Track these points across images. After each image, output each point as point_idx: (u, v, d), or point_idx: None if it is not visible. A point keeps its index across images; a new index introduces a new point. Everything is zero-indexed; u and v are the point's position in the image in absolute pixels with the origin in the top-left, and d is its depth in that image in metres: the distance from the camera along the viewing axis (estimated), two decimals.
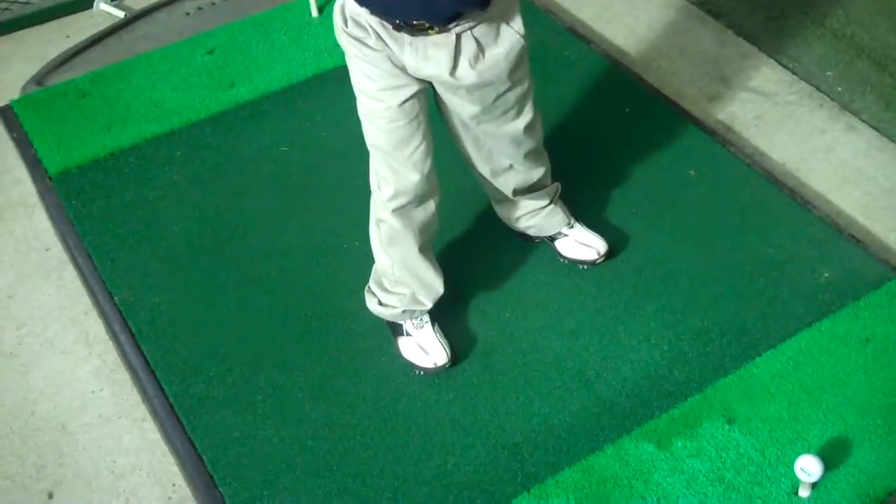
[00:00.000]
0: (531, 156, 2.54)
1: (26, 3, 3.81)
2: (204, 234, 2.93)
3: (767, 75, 3.46)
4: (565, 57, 3.47)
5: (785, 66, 3.49)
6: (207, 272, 2.83)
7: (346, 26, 2.19)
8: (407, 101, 2.23)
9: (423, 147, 2.31)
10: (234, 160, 3.14)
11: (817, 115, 3.31)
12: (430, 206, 2.43)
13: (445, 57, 2.15)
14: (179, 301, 2.75)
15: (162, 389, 2.54)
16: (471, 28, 2.13)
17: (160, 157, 3.17)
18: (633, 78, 3.39)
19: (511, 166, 2.53)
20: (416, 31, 2.11)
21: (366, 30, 2.15)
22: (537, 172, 2.61)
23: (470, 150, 2.48)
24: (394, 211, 2.37)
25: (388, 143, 2.28)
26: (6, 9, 3.78)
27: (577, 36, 3.56)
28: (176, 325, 2.69)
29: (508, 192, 2.62)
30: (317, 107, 3.28)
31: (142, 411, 2.57)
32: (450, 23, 2.10)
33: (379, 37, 2.15)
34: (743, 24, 3.66)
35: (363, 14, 2.13)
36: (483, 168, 2.53)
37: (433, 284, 2.53)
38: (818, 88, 3.40)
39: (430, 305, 2.55)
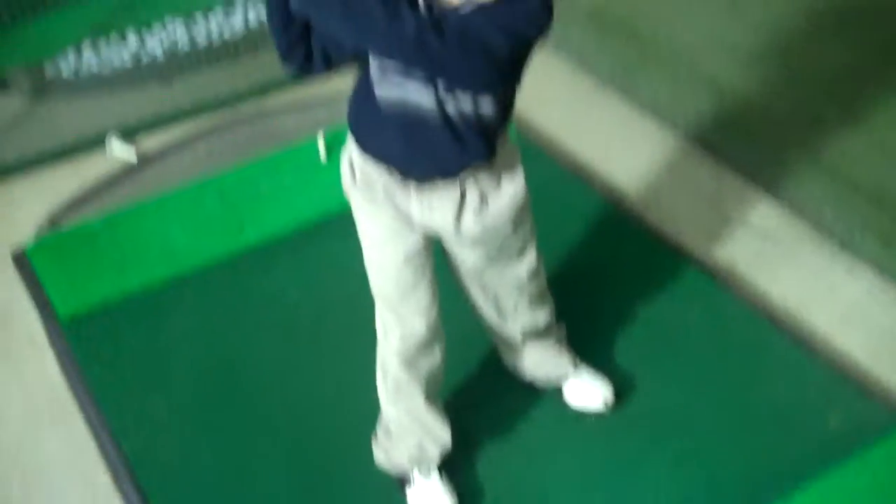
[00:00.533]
0: (536, 299, 2.58)
1: (41, 144, 3.89)
2: (212, 382, 2.96)
3: (766, 213, 3.52)
4: (566, 197, 3.54)
5: (783, 204, 3.55)
6: (216, 421, 2.84)
7: (354, 177, 2.25)
8: (412, 250, 2.29)
9: (428, 295, 2.35)
10: (243, 305, 3.19)
11: (817, 254, 3.36)
12: (436, 353, 2.46)
13: (450, 207, 2.21)
14: (188, 452, 2.76)
15: None
16: (475, 179, 2.20)
17: (170, 301, 3.21)
18: (634, 218, 3.46)
19: (516, 310, 2.57)
20: (422, 181, 2.18)
21: (373, 182, 2.22)
22: (542, 315, 2.65)
23: (476, 296, 2.53)
24: (400, 359, 2.40)
25: (394, 291, 2.32)
26: (21, 151, 3.86)
27: (578, 176, 3.65)
28: (185, 478, 2.69)
29: (515, 336, 2.65)
30: (326, 251, 3.34)
31: None
32: (455, 175, 2.17)
33: (385, 188, 2.21)
34: (741, 163, 3.73)
35: (370, 165, 2.20)
36: (489, 313, 2.57)
37: (441, 436, 2.55)
38: (817, 227, 3.45)
39: (438, 458, 2.56)
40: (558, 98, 4.08)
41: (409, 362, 2.41)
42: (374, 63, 2.04)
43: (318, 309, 3.16)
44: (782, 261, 3.34)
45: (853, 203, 3.53)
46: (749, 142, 3.84)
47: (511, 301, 2.53)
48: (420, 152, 2.11)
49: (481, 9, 1.88)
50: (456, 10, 1.90)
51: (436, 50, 1.83)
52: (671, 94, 4.11)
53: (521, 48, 1.95)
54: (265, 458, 2.74)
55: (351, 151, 2.25)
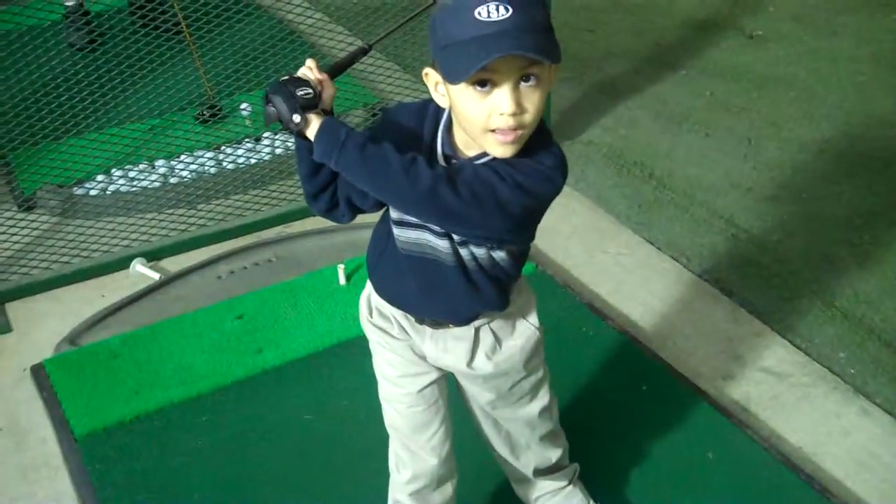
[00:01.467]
0: (548, 438, 2.59)
1: (66, 262, 3.97)
2: (220, 501, 2.95)
3: (781, 355, 3.54)
4: (583, 332, 3.57)
5: (798, 347, 3.57)
6: None
7: (371, 315, 2.31)
8: (426, 387, 2.32)
9: (441, 432, 2.37)
10: (257, 427, 3.20)
11: (832, 397, 3.36)
12: (448, 489, 2.47)
13: (464, 349, 2.25)
14: None
15: None
16: (489, 323, 2.24)
17: (185, 422, 3.23)
18: (649, 355, 3.48)
19: (528, 448, 2.58)
20: (437, 325, 2.22)
21: (389, 320, 2.28)
22: (555, 453, 2.65)
23: (488, 433, 2.54)
24: (411, 494, 2.40)
25: (407, 426, 2.35)
26: (47, 268, 3.93)
27: (594, 311, 3.68)
28: None
29: (528, 472, 2.65)
30: (341, 374, 3.37)
31: None
32: (469, 322, 2.21)
33: (402, 327, 2.27)
34: (755, 303, 3.78)
35: (387, 305, 2.25)
36: (502, 449, 2.58)
37: None
38: (831, 370, 3.47)
39: None
40: (576, 233, 4.15)
41: (420, 497, 2.42)
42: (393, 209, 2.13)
43: (332, 432, 3.17)
44: (796, 402, 3.34)
45: (867, 346, 3.56)
46: (763, 282, 3.89)
47: (523, 439, 2.55)
48: (435, 298, 2.17)
49: (496, 164, 1.95)
50: (472, 161, 1.98)
51: (449, 204, 1.89)
52: (686, 232, 4.20)
53: (534, 205, 2.01)
54: None
55: (369, 289, 2.32)
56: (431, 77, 1.96)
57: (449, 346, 2.24)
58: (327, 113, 1.97)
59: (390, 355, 2.31)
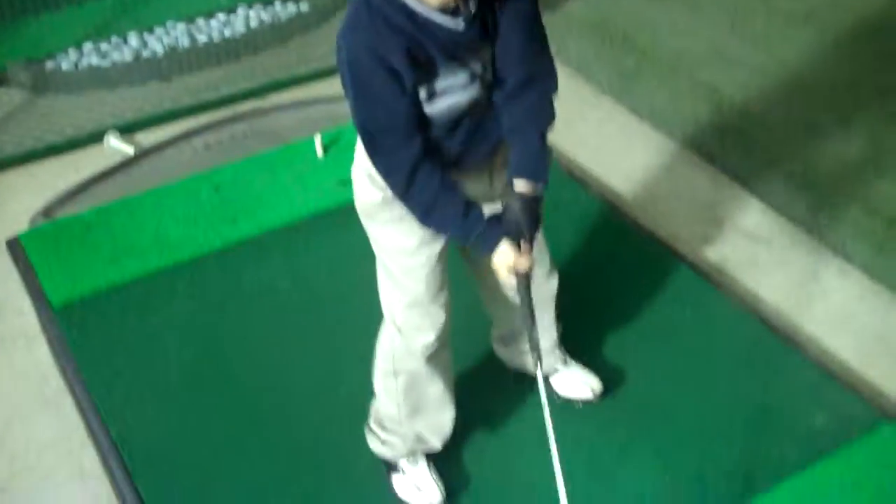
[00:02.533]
0: (548, 265, 2.61)
1: (39, 137, 3.91)
2: (202, 370, 2.96)
3: (760, 219, 3.53)
4: (562, 199, 3.52)
5: (777, 210, 3.56)
6: (204, 408, 2.84)
7: (381, 194, 2.22)
8: (441, 252, 2.32)
9: (447, 287, 2.38)
10: (235, 296, 3.19)
11: (809, 259, 3.37)
12: (448, 344, 2.47)
13: (484, 181, 2.28)
14: (175, 437, 2.76)
15: None
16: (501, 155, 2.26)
17: (162, 291, 3.22)
18: (628, 221, 3.47)
19: (536, 276, 2.54)
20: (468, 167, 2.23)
21: None
22: (555, 282, 2.66)
23: (494, 287, 2.51)
24: (427, 357, 2.40)
25: (427, 293, 2.33)
26: (20, 143, 3.88)
27: (574, 178, 3.66)
28: (171, 461, 2.69)
29: (536, 307, 2.62)
30: (319, 245, 3.35)
31: None
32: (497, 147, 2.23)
33: None
34: (736, 169, 3.75)
35: None
36: (507, 290, 2.54)
37: (445, 426, 2.56)
38: (809, 232, 3.46)
39: (439, 447, 2.57)
40: (557, 104, 4.08)
41: (435, 356, 2.42)
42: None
43: (310, 301, 3.17)
44: (775, 265, 3.35)
45: (847, 209, 3.53)
46: (745, 149, 3.85)
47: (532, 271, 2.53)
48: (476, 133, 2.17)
49: None
50: None
51: None
52: (669, 102, 4.14)
53: None
54: (252, 444, 2.73)
55: (372, 171, 2.20)
56: None
57: (469, 188, 2.23)
58: None
59: (407, 229, 2.26)
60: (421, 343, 2.38)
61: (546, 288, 2.59)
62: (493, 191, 2.30)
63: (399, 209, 2.21)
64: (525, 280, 2.22)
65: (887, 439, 2.66)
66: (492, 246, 2.18)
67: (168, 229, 3.44)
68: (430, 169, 2.09)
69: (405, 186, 2.10)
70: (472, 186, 2.23)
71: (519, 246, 2.18)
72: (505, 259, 2.18)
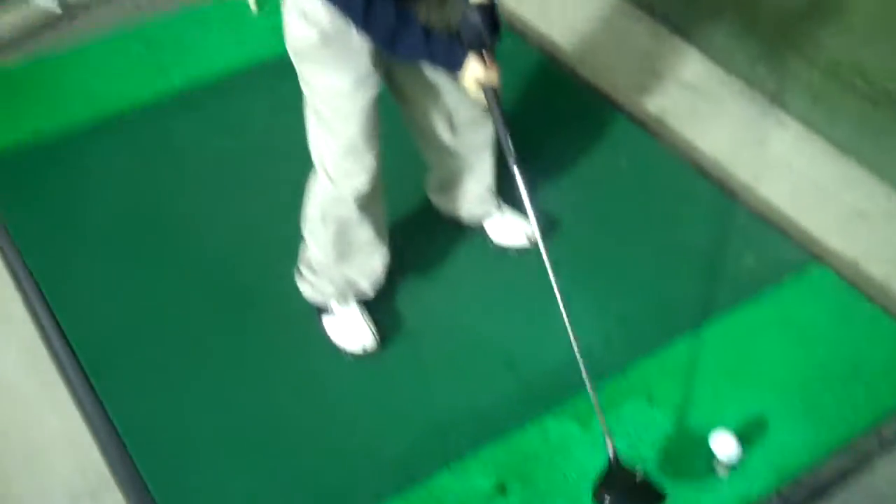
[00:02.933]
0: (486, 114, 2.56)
1: None
2: (133, 223, 2.93)
3: (700, 70, 3.51)
4: (501, 49, 3.48)
5: (717, 62, 3.53)
6: (135, 258, 2.82)
7: (319, 34, 2.15)
8: (376, 94, 2.27)
9: (380, 133, 2.35)
10: (166, 151, 3.14)
11: (748, 109, 3.36)
12: (380, 188, 2.45)
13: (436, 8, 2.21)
14: (106, 287, 2.74)
15: (84, 374, 2.53)
16: None
17: (93, 146, 3.15)
18: (567, 71, 3.43)
19: (472, 122, 2.54)
20: None
21: (346, 29, 2.15)
22: (490, 128, 2.60)
23: (430, 115, 2.48)
24: (359, 203, 2.37)
25: (361, 135, 2.29)
26: None
27: (515, 30, 3.60)
28: (101, 311, 2.68)
29: (462, 153, 2.63)
30: (251, 99, 3.29)
31: (63, 396, 2.55)
32: None
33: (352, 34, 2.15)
34: (677, 21, 3.70)
35: (335, 17, 2.12)
36: (442, 130, 2.52)
37: (376, 269, 2.56)
38: (749, 83, 3.45)
39: (370, 292, 2.58)
40: None
41: (366, 201, 2.39)
42: None
43: (242, 154, 3.13)
44: (713, 115, 3.34)
45: (785, 60, 3.51)
46: (686, 1, 3.79)
47: (468, 113, 2.50)
48: None
49: None
50: None
51: None
52: None
53: None
54: (183, 291, 2.73)
55: (317, 14, 2.13)
56: None
57: None
58: None
59: (344, 69, 2.20)
60: (353, 189, 2.35)
61: (483, 133, 2.58)
62: (446, 15, 2.25)
63: (335, 48, 2.16)
64: (494, 93, 2.21)
65: (816, 280, 2.71)
66: (459, 62, 2.16)
67: (98, 85, 3.36)
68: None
69: (364, 17, 2.05)
70: (427, 12, 2.19)
71: (484, 59, 2.17)
72: (473, 73, 2.17)
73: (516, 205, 2.85)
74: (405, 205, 2.90)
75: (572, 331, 2.26)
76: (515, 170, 2.28)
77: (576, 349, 2.25)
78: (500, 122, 2.24)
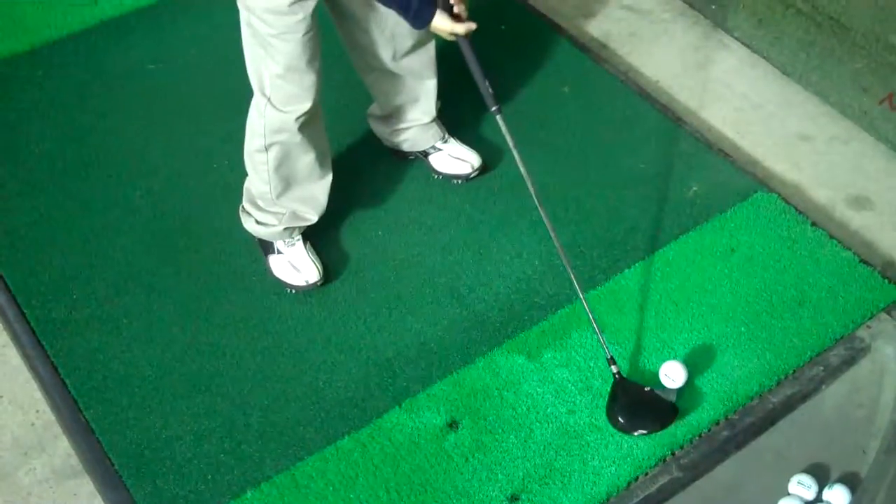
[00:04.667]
0: (425, 40, 2.53)
1: None
2: (67, 156, 2.83)
3: None
4: None
5: None
6: (71, 194, 2.73)
7: None
8: (314, 17, 2.19)
9: (320, 54, 2.29)
10: (98, 79, 3.03)
11: (691, 32, 3.33)
12: (321, 111, 2.40)
13: None
14: (41, 224, 2.66)
15: (23, 314, 2.46)
16: None
17: (20, 76, 3.04)
18: None
19: (413, 48, 2.50)
20: None
21: None
22: (432, 47, 2.59)
23: (374, 40, 2.44)
24: (301, 126, 2.31)
25: (303, 57, 2.23)
26: None
27: None
28: (38, 248, 2.60)
29: (414, 75, 2.59)
30: (184, 24, 3.18)
31: (3, 337, 2.48)
32: None
33: None
34: None
35: None
36: (385, 54, 2.48)
37: (319, 196, 2.51)
38: (692, 6, 3.42)
39: (315, 219, 2.52)
40: None
41: (308, 123, 2.33)
42: None
43: (178, 81, 3.04)
44: (655, 38, 3.31)
45: None
46: None
47: (409, 41, 2.47)
48: None
49: None
50: None
51: None
52: None
53: None
54: (121, 228, 2.66)
55: None
56: None
57: None
58: None
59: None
60: (295, 111, 2.29)
61: (425, 55, 2.54)
62: None
63: None
64: (465, 39, 2.25)
65: (760, 206, 2.71)
66: (429, 18, 2.18)
67: (23, 11, 3.23)
68: None
69: None
70: None
71: (451, 12, 2.20)
72: (443, 26, 2.20)
73: (460, 132, 2.81)
74: (348, 136, 2.84)
75: (559, 243, 2.32)
76: (500, 120, 2.31)
77: (565, 261, 2.31)
78: (478, 73, 2.28)
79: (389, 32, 2.42)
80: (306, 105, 2.29)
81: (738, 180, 2.77)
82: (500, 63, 3.09)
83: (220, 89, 2.76)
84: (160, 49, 3.11)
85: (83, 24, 3.18)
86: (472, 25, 2.23)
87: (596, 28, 3.32)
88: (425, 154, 2.77)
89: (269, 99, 2.28)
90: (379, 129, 2.76)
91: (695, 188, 2.75)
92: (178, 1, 3.25)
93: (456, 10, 2.20)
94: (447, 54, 2.52)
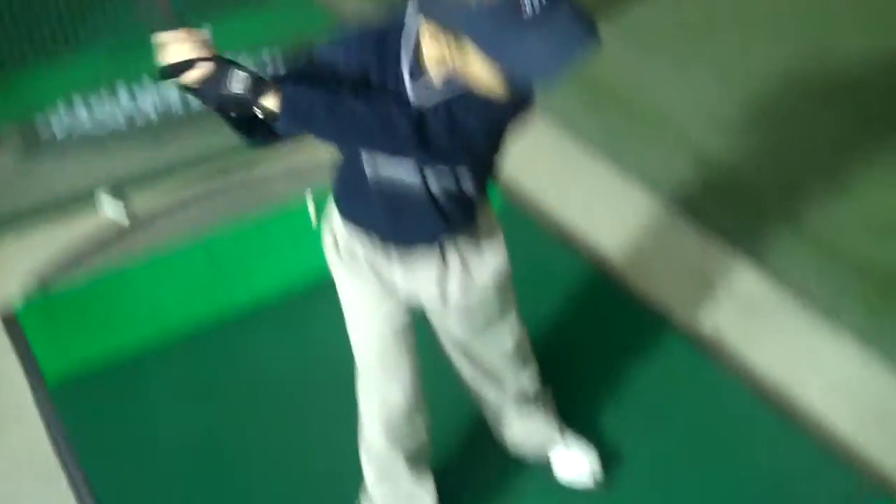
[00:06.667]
0: (520, 366, 2.61)
1: (32, 201, 3.89)
2: (198, 449, 2.96)
3: (751, 282, 3.55)
4: (551, 262, 3.57)
5: (768, 272, 3.58)
6: (200, 489, 2.84)
7: (339, 252, 2.28)
8: (395, 321, 2.32)
9: (410, 365, 2.39)
10: (230, 372, 3.20)
11: (802, 324, 3.39)
12: (418, 424, 2.48)
13: (433, 276, 2.24)
14: None
15: None
16: (455, 246, 2.22)
17: (158, 367, 3.22)
18: (619, 284, 3.48)
19: (502, 378, 2.59)
20: (404, 246, 2.20)
21: (356, 251, 2.25)
22: (528, 381, 2.67)
23: (462, 366, 2.56)
24: (383, 431, 2.41)
25: (377, 362, 2.35)
26: (13, 208, 3.86)
27: (563, 240, 3.68)
28: None
29: (503, 403, 2.66)
30: (313, 318, 3.33)
31: None
32: (435, 241, 2.20)
33: (368, 258, 2.24)
34: (726, 231, 3.77)
35: (353, 235, 2.22)
36: (476, 381, 2.59)
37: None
38: (802, 296, 3.48)
39: None
40: (544, 162, 4.11)
41: (393, 434, 2.43)
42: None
43: (306, 376, 3.17)
44: (767, 330, 3.37)
45: (837, 272, 3.56)
46: (734, 209, 3.88)
47: (496, 369, 2.57)
48: (403, 221, 2.15)
49: (468, 95, 1.89)
50: (443, 89, 1.92)
51: (424, 147, 1.86)
52: (657, 160, 4.17)
53: (502, 134, 1.99)
54: None
55: (333, 222, 2.28)
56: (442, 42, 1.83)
57: (418, 274, 2.22)
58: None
59: (358, 290, 2.29)
60: (374, 415, 2.41)
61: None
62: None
63: (347, 257, 2.25)
64: None
65: None
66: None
67: (163, 302, 3.44)
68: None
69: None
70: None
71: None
72: None
73: (576, 430, 2.85)
74: (469, 436, 2.92)
75: None
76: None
77: None
78: None
79: (480, 367, 2.55)
80: (385, 410, 2.39)
81: (861, 488, 2.77)
82: (614, 356, 3.19)
83: (346, 384, 2.85)
84: (289, 343, 3.28)
85: (218, 317, 3.38)
86: None
87: (707, 319, 3.40)
88: (545, 456, 2.82)
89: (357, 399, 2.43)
90: (497, 430, 2.84)
91: (816, 496, 2.74)
92: (307, 295, 3.43)
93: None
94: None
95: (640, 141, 4.29)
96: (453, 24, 1.76)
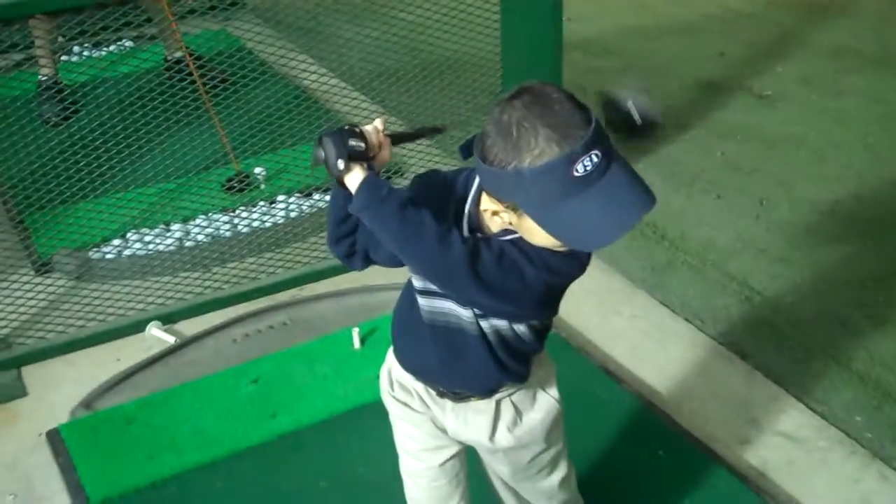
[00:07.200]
0: (566, 502, 2.58)
1: (82, 326, 3.98)
2: None
3: (797, 419, 3.53)
4: (597, 396, 3.56)
5: (814, 410, 3.56)
6: None
7: (392, 389, 2.32)
8: (448, 461, 2.33)
9: (462, 494, 2.37)
10: (272, 494, 3.18)
11: (849, 462, 3.34)
12: None
13: (485, 423, 2.25)
14: None
15: None
16: (510, 395, 2.25)
17: (200, 488, 3.21)
18: (665, 420, 3.47)
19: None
20: (458, 398, 2.23)
21: (410, 393, 2.29)
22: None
23: (507, 500, 2.54)
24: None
25: (429, 501, 2.34)
26: (63, 332, 3.95)
27: (609, 374, 3.68)
28: None
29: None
30: (357, 440, 3.36)
31: None
32: (491, 393, 2.21)
33: (423, 401, 2.27)
34: (770, 366, 3.77)
35: (409, 378, 2.26)
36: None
37: None
38: (848, 434, 3.45)
39: None
40: (589, 296, 4.15)
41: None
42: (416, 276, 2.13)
43: (347, 499, 3.16)
44: (814, 467, 3.33)
45: (883, 409, 3.54)
46: (778, 345, 3.89)
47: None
48: (456, 369, 2.17)
49: (523, 243, 1.93)
50: (499, 237, 1.97)
51: (475, 278, 1.88)
52: (700, 294, 4.21)
53: (558, 283, 2.02)
54: None
55: (390, 362, 2.33)
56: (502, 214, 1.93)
57: (469, 420, 2.25)
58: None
59: (411, 429, 2.32)
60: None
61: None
62: None
63: (399, 407, 2.29)
64: None
65: None
66: None
67: (207, 423, 3.46)
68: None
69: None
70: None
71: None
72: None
73: None
74: None
75: None
76: None
77: None
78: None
79: (525, 502, 2.53)
80: None
81: None
82: (659, 491, 3.16)
83: None
84: (332, 465, 3.28)
85: (261, 438, 3.39)
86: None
87: (752, 455, 3.37)
88: None
89: None
90: None
91: None
92: (350, 417, 3.45)
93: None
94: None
95: (683, 275, 4.34)
96: (511, 199, 1.84)
